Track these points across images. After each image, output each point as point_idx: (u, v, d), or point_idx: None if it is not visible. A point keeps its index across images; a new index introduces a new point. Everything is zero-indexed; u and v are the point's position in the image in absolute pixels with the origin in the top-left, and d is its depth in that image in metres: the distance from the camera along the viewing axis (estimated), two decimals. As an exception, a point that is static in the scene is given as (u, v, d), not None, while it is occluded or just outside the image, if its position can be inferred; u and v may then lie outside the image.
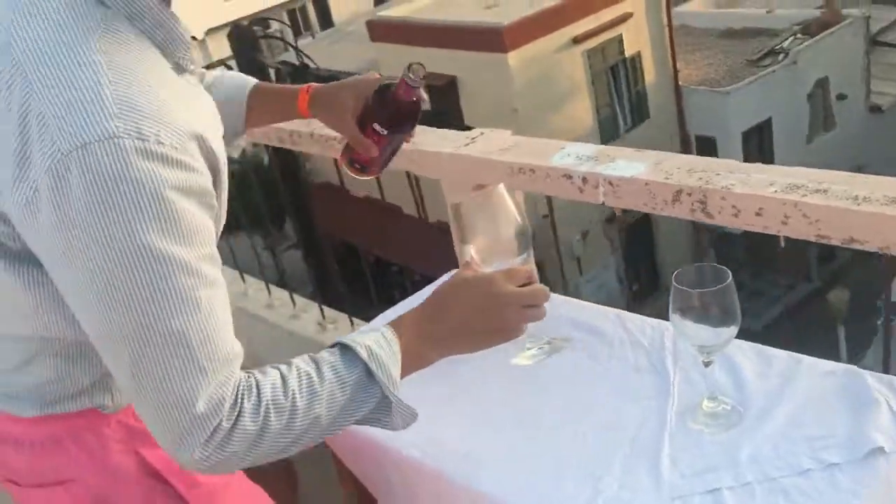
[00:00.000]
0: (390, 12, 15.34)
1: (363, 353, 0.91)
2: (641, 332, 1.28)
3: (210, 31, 17.27)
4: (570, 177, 1.39)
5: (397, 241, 11.05)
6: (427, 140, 1.63)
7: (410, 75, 1.10)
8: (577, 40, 13.25)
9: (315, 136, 1.83)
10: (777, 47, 14.93)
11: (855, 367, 1.11)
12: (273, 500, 1.23)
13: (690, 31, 16.85)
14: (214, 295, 0.84)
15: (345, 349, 0.93)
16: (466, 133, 1.63)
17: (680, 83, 14.83)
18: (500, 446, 1.12)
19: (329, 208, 11.75)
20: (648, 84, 14.50)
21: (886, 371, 1.18)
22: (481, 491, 1.07)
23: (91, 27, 0.81)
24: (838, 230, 1.10)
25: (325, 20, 24.48)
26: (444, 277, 1.21)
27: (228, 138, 1.32)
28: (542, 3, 13.07)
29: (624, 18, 13.70)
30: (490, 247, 1.09)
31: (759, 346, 1.19)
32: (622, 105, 14.40)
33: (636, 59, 14.25)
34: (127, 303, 0.80)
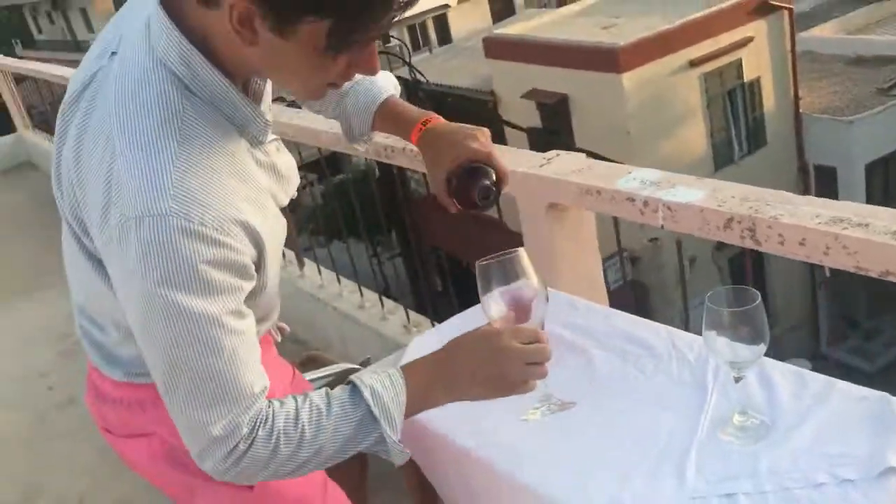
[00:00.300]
0: (507, 30, 15.52)
1: (367, 395, 1.06)
2: (689, 348, 1.35)
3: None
4: (632, 200, 1.48)
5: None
6: (506, 158, 1.75)
7: (491, 186, 1.25)
8: (694, 63, 13.08)
9: (407, 151, 1.98)
10: (910, 76, 14.33)
11: (888, 394, 1.16)
12: (345, 478, 1.38)
13: (817, 58, 16.33)
14: (238, 342, 1.00)
15: (354, 388, 1.07)
16: (544, 154, 1.74)
17: (801, 110, 14.40)
18: (542, 442, 1.22)
19: (434, 220, 12.00)
20: (767, 110, 14.15)
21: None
22: (522, 481, 1.18)
23: (174, 113, 0.96)
24: (875, 263, 1.16)
25: (445, 36, 24.95)
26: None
27: (355, 136, 1.51)
28: (660, 26, 12.98)
29: (744, 42, 13.44)
30: (507, 305, 1.18)
31: (799, 369, 1.25)
32: (738, 131, 14.09)
33: (755, 84, 13.93)
34: (161, 345, 0.97)
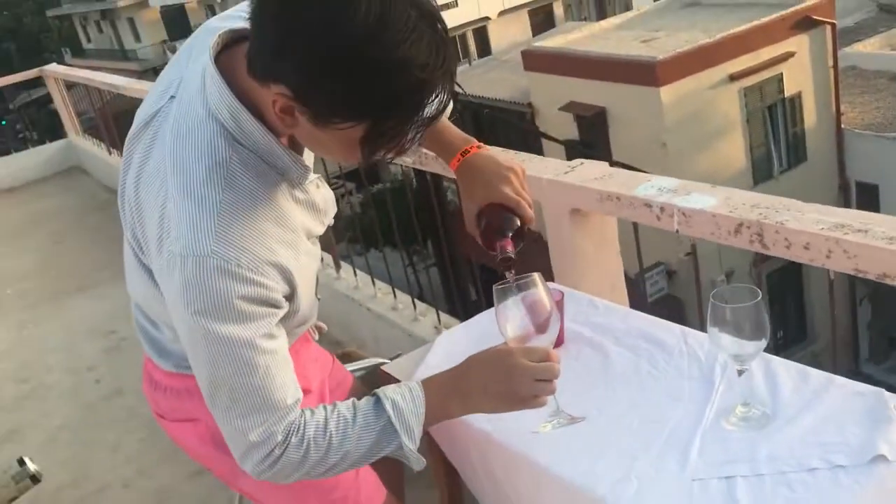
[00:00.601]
0: (546, 43, 15.60)
1: (388, 407, 1.17)
2: (700, 346, 1.44)
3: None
4: (649, 206, 1.57)
5: (535, 268, 11.23)
6: (531, 166, 1.85)
7: (509, 244, 1.29)
8: (733, 77, 13.02)
9: (440, 161, 2.08)
10: (955, 93, 14.11)
11: (883, 389, 1.23)
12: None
13: (860, 74, 16.15)
14: (271, 360, 1.11)
15: (378, 401, 1.19)
16: (568, 162, 1.84)
17: (843, 126, 14.26)
18: (557, 428, 1.31)
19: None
20: (808, 126, 14.03)
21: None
22: (537, 462, 1.27)
23: (220, 162, 1.06)
24: (873, 266, 1.24)
25: (484, 49, 25.10)
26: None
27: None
28: (700, 40, 12.97)
29: (785, 57, 13.35)
30: (521, 324, 1.25)
31: (802, 366, 1.33)
32: (778, 146, 13.99)
33: (796, 99, 13.83)
34: (203, 364, 1.10)
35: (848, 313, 14.21)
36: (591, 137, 13.70)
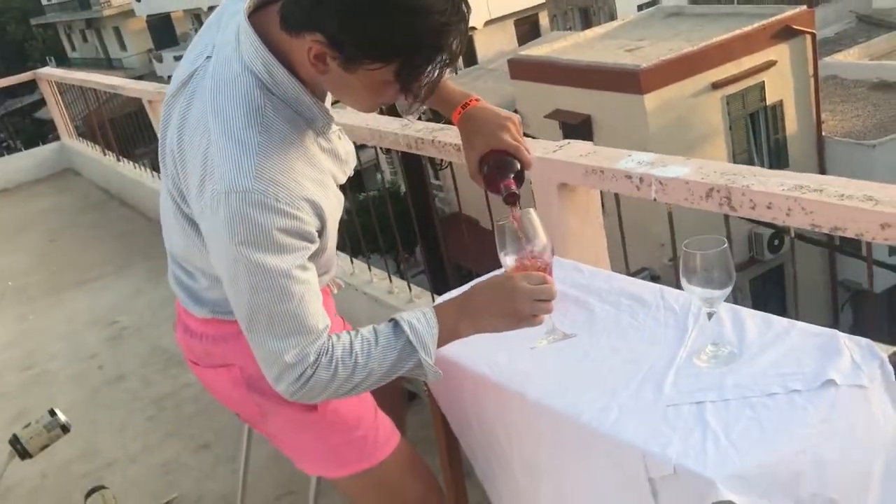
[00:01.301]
0: (531, 51, 15.82)
1: (406, 328, 1.31)
2: (675, 300, 1.58)
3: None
4: (629, 177, 1.72)
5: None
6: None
7: (513, 181, 1.42)
8: (716, 85, 13.27)
9: (435, 143, 2.23)
10: (932, 102, 14.42)
11: (837, 331, 1.38)
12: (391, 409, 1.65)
13: (840, 83, 16.47)
14: (305, 289, 1.24)
15: (396, 325, 1.32)
16: (556, 142, 1.99)
17: (824, 134, 14.54)
18: (547, 369, 1.46)
19: (459, 238, 12.23)
20: (789, 133, 14.30)
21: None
22: (528, 398, 1.41)
23: (256, 109, 1.20)
24: (827, 220, 1.39)
25: (471, 58, 25.31)
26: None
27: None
28: (683, 48, 13.21)
29: (767, 66, 13.62)
30: (519, 253, 1.40)
31: (767, 314, 1.48)
32: (760, 153, 14.25)
33: (778, 107, 14.09)
34: (244, 292, 1.22)
35: (830, 321, 14.46)
36: (577, 144, 13.89)
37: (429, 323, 1.33)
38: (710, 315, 1.39)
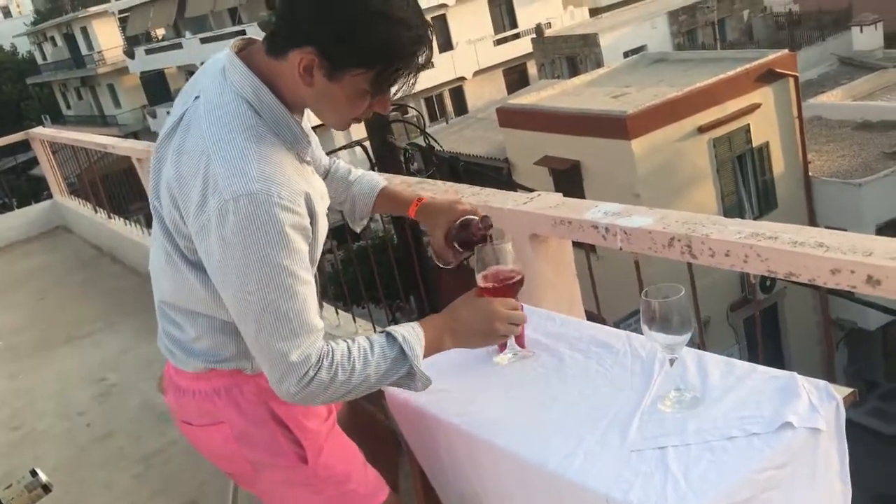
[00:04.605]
0: (520, 100, 16.05)
1: (399, 339, 1.42)
2: (642, 347, 1.62)
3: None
4: (596, 227, 1.77)
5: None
6: (496, 198, 2.06)
7: (481, 225, 1.64)
8: (702, 129, 13.47)
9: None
10: (916, 140, 14.62)
11: (795, 373, 1.42)
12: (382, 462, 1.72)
13: (825, 123, 16.71)
14: (307, 290, 1.34)
15: (389, 335, 1.43)
16: (527, 194, 2.04)
17: (811, 174, 14.71)
18: (517, 416, 1.49)
19: (453, 285, 12.27)
20: (777, 174, 14.47)
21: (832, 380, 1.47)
22: (497, 445, 1.44)
23: (247, 127, 1.32)
24: (781, 266, 1.44)
25: (461, 107, 25.66)
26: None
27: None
28: (669, 94, 13.42)
29: (752, 109, 13.85)
30: (493, 279, 1.60)
31: (728, 358, 1.52)
32: (748, 194, 14.40)
33: (764, 148, 14.29)
34: (254, 292, 1.29)
35: (825, 359, 14.46)
36: (567, 190, 13.98)
37: (418, 336, 1.45)
38: (671, 361, 1.42)
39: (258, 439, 1.51)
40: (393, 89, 1.33)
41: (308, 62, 1.28)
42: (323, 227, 1.45)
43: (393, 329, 1.44)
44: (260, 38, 1.39)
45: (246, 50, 1.38)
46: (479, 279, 1.60)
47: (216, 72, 1.38)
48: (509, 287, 1.58)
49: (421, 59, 1.31)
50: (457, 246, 1.68)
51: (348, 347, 1.38)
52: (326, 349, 1.36)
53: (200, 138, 1.32)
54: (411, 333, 1.44)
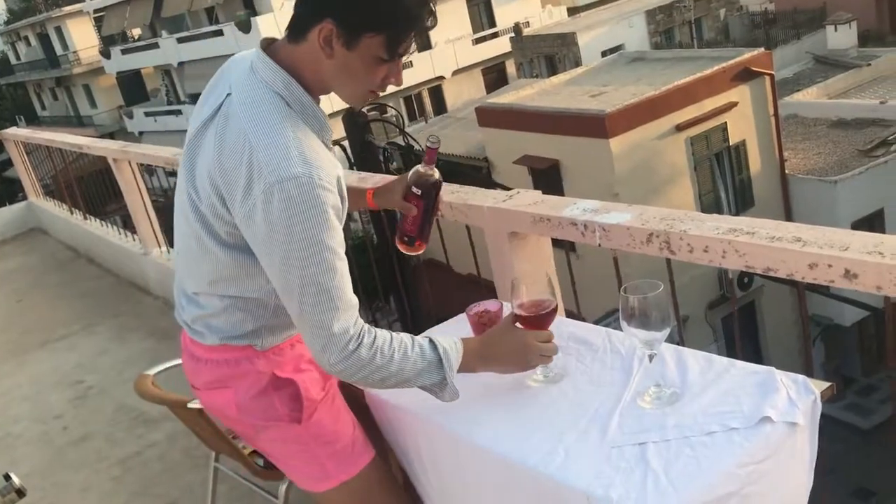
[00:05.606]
0: (499, 99, 16.05)
1: (440, 348, 1.50)
2: (621, 343, 1.63)
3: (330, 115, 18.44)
4: (574, 224, 1.77)
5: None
6: (475, 196, 2.05)
7: (429, 141, 1.64)
8: (680, 127, 13.52)
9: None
10: (890, 137, 14.76)
11: (774, 368, 1.43)
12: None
13: (801, 121, 16.85)
14: (343, 266, 1.42)
15: (430, 340, 1.51)
16: (506, 192, 2.04)
17: (787, 172, 14.82)
18: (498, 413, 1.49)
19: (434, 285, 12.26)
20: (754, 172, 14.55)
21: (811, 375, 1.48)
22: (480, 444, 1.44)
23: (284, 118, 1.42)
24: (759, 261, 1.44)
25: (440, 107, 25.64)
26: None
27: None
28: (646, 92, 13.47)
29: (728, 107, 13.91)
30: (531, 307, 1.60)
31: (707, 354, 1.52)
32: (726, 192, 14.47)
33: (741, 146, 14.36)
34: (298, 268, 1.38)
35: (803, 354, 14.58)
36: (546, 189, 13.98)
37: (458, 352, 1.52)
38: (650, 357, 1.43)
39: (256, 407, 1.61)
40: (404, 58, 1.45)
41: (327, 32, 1.38)
42: (346, 209, 1.51)
43: (437, 339, 1.51)
44: (280, 37, 1.50)
45: (270, 48, 1.49)
46: (516, 307, 1.60)
47: (244, 70, 1.49)
48: (544, 316, 1.59)
49: (428, 22, 1.43)
50: (415, 190, 1.69)
51: (391, 336, 1.46)
52: (367, 329, 1.43)
53: (241, 133, 1.41)
54: (452, 347, 1.51)
